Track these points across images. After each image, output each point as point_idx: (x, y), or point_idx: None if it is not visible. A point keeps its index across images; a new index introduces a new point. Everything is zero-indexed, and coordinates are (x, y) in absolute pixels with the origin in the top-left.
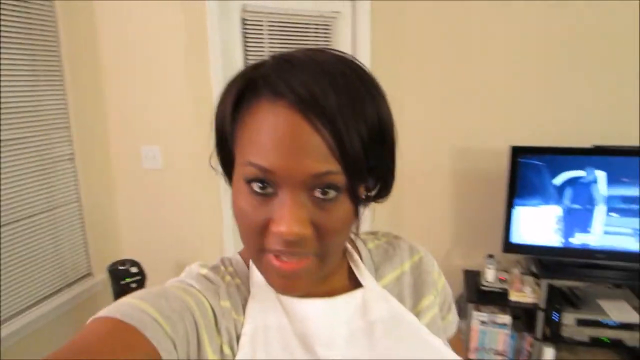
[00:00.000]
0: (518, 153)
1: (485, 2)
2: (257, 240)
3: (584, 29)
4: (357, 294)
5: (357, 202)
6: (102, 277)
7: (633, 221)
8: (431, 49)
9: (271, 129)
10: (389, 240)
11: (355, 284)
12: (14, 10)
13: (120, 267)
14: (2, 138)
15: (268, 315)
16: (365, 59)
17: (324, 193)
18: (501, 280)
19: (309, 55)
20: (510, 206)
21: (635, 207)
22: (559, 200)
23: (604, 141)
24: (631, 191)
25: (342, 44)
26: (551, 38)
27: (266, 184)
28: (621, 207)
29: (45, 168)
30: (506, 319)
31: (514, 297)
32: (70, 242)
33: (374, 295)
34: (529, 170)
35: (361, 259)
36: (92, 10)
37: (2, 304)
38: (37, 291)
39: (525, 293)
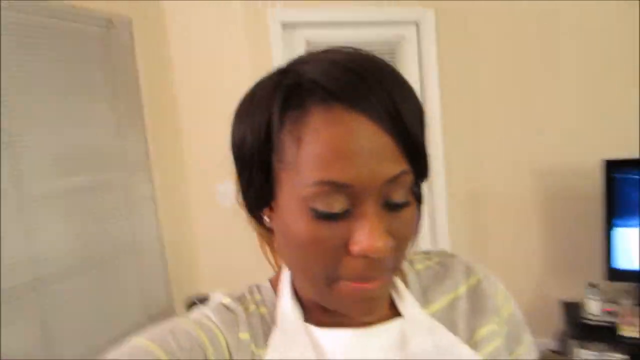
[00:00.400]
0: (612, 167)
1: (552, 18)
2: (329, 270)
3: None
4: (394, 324)
5: (421, 200)
6: (182, 311)
7: None
8: (501, 65)
9: (337, 138)
10: (441, 261)
11: (395, 312)
12: (99, 65)
13: (199, 302)
14: (87, 182)
15: (293, 348)
16: (433, 81)
17: (398, 197)
18: (608, 313)
19: (339, 53)
20: (609, 228)
21: None
22: None
23: None
24: None
25: (409, 68)
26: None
27: (338, 201)
28: None
29: (129, 208)
30: (620, 358)
31: (626, 332)
32: (153, 277)
33: (415, 326)
34: (627, 185)
35: (406, 282)
36: (169, 54)
37: (92, 337)
38: (122, 325)
39: (639, 327)
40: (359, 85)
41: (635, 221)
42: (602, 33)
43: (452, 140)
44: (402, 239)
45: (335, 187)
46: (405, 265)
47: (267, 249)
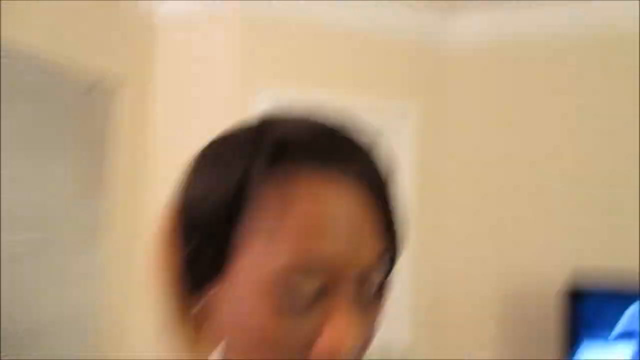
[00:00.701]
0: (580, 276)
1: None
2: None
3: None
4: None
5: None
6: None
7: None
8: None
9: (329, 206)
10: None
11: None
12: None
13: None
14: (28, 242)
15: None
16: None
17: (373, 286)
18: None
19: (320, 118)
20: (573, 345)
21: None
22: (633, 338)
23: None
24: None
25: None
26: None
27: (311, 284)
28: None
29: (68, 278)
30: None
31: None
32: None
33: None
34: (595, 298)
35: None
36: (152, 121)
37: None
38: None
39: None
40: (350, 152)
41: (599, 338)
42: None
43: (422, 247)
44: (368, 340)
45: (318, 262)
46: None
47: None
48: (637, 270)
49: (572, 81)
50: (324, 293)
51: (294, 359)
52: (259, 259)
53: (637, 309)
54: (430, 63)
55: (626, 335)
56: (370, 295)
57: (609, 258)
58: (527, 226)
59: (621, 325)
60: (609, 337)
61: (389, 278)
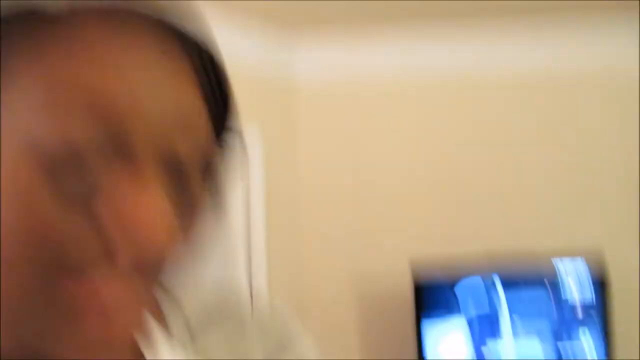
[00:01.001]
0: (418, 266)
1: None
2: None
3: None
4: None
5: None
6: None
7: (537, 323)
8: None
9: (110, 46)
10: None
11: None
12: None
13: None
14: None
15: None
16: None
17: (186, 154)
18: None
19: None
20: (419, 326)
21: (535, 308)
22: (465, 311)
23: (500, 245)
24: (529, 294)
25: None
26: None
27: (92, 149)
28: (524, 309)
29: None
30: None
31: None
32: None
33: None
34: (432, 282)
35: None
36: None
37: None
38: None
39: None
40: None
41: (441, 316)
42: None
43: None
44: (176, 232)
45: (100, 118)
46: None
47: None
48: (469, 255)
49: (414, 115)
50: (110, 155)
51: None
52: (13, 116)
53: (475, 287)
54: (278, 91)
55: (466, 313)
56: (187, 174)
57: (444, 247)
58: (372, 228)
59: (463, 305)
60: (451, 319)
61: (219, 160)
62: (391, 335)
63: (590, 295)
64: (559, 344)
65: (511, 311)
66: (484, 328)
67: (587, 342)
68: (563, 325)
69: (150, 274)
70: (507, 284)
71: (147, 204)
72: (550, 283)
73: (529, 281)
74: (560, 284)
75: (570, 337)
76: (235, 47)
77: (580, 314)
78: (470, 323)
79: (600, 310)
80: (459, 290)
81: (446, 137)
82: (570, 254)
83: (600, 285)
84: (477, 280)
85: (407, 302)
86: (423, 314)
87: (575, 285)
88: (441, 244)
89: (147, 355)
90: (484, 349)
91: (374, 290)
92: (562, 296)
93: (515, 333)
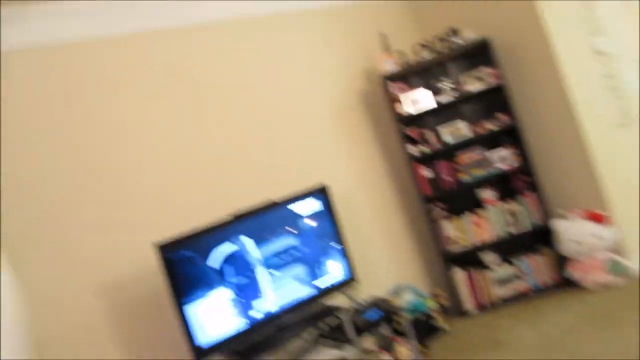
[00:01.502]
0: (164, 250)
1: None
2: None
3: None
4: None
5: None
6: None
7: (293, 271)
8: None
9: None
10: None
11: None
12: None
13: None
14: None
15: None
16: None
17: None
18: None
19: None
20: (181, 309)
21: (287, 258)
22: (224, 282)
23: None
24: (278, 245)
25: None
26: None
27: None
28: (277, 262)
29: None
30: None
31: None
32: None
33: None
34: (183, 263)
35: None
36: None
37: None
38: None
39: None
40: None
41: (201, 293)
42: None
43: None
44: None
45: None
46: None
47: None
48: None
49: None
50: None
51: None
52: None
53: (227, 254)
54: None
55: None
56: None
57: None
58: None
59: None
60: (212, 294)
61: None
62: (154, 329)
63: (324, 223)
64: (314, 281)
65: (267, 267)
66: (246, 292)
67: (334, 266)
68: (312, 264)
69: None
70: (257, 242)
71: None
72: (294, 227)
73: (276, 232)
74: (301, 224)
75: (320, 268)
76: None
77: (322, 243)
78: (232, 292)
79: (334, 233)
80: (212, 262)
81: (163, 112)
82: (302, 195)
83: (329, 211)
84: (227, 246)
85: (164, 292)
86: (183, 299)
87: (312, 219)
88: (182, 223)
89: None
90: (251, 313)
91: (125, 293)
92: (306, 235)
93: (276, 287)
